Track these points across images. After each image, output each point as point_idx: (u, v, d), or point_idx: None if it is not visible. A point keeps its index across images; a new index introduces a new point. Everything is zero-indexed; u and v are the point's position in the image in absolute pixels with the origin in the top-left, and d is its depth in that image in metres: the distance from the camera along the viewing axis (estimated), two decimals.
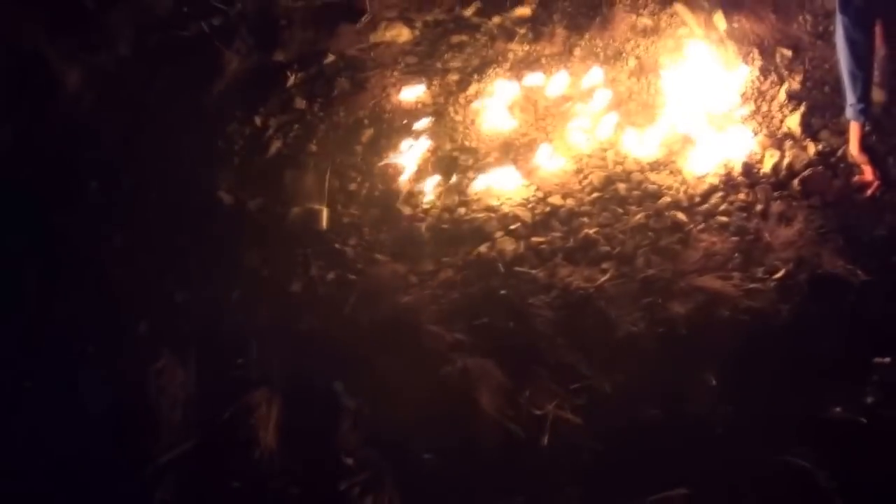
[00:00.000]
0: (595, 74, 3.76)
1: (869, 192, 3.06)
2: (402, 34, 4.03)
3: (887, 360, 2.63)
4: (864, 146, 3.06)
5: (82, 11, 3.86)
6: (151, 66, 3.82)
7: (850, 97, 2.98)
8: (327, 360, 3.02)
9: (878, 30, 3.03)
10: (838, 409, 2.58)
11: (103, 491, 2.85)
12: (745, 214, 3.15)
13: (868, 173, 3.07)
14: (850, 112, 3.02)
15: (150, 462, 2.88)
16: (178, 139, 3.65)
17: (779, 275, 2.93)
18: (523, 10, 4.04)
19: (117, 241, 3.44)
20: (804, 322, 2.80)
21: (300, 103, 3.82)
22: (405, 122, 3.75)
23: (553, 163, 3.51)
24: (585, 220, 3.30)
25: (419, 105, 3.82)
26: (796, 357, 2.71)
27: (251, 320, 3.15)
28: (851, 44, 2.90)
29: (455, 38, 4.02)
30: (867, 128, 3.09)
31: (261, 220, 3.46)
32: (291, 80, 3.87)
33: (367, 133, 3.73)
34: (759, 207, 3.16)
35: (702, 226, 3.16)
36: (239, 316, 3.18)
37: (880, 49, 3.12)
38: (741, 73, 3.58)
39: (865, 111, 3.00)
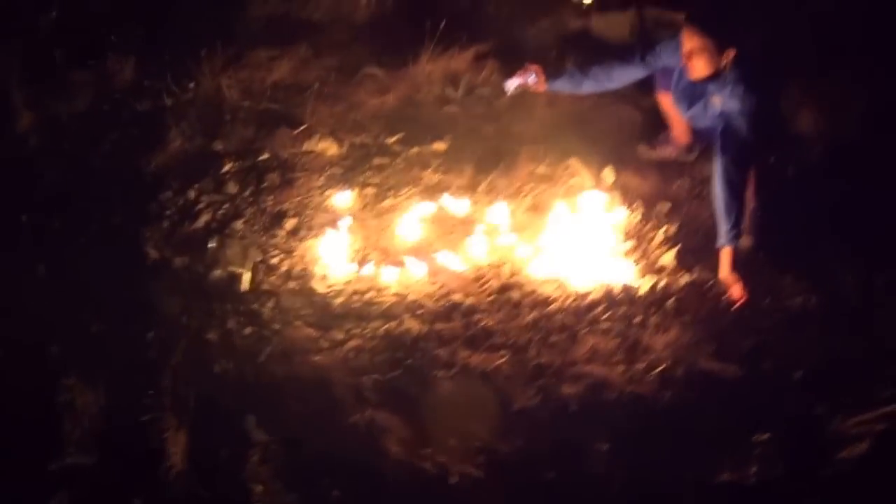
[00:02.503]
0: (496, 206, 4.26)
1: (736, 306, 3.63)
2: (331, 148, 4.46)
3: (766, 436, 3.07)
4: (734, 269, 3.66)
5: (52, 64, 4.12)
6: (102, 126, 4.06)
7: (724, 226, 3.59)
8: (240, 397, 3.17)
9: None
10: (725, 474, 2.98)
11: None
12: (625, 324, 3.62)
13: (736, 292, 3.65)
14: (722, 239, 3.62)
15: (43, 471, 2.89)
16: (113, 194, 3.84)
17: (658, 369, 3.38)
18: (439, 146, 4.56)
19: (40, 272, 3.53)
20: (686, 406, 3.24)
21: (232, 188, 4.11)
22: (325, 218, 4.09)
23: (455, 268, 3.91)
24: (483, 315, 3.67)
25: (339, 208, 4.19)
26: (682, 432, 3.13)
27: (165, 357, 3.26)
28: (728, 180, 3.53)
29: (377, 160, 4.46)
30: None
31: (184, 275, 3.65)
32: (227, 167, 4.18)
33: (291, 222, 4.04)
34: (637, 319, 3.64)
35: (587, 329, 3.61)
36: (153, 353, 3.31)
37: (750, 201, 3.80)
38: (624, 217, 4.17)
39: (737, 237, 3.61)
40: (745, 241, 3.83)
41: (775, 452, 3.01)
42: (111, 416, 3.06)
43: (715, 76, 3.60)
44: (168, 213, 3.92)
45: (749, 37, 3.63)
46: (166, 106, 4.18)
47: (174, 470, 2.90)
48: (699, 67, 3.57)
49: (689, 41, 3.52)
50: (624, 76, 4.08)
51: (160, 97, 4.19)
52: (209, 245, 3.76)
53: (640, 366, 3.41)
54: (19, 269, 3.51)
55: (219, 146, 4.26)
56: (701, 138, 4.22)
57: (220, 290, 3.63)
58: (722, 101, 3.61)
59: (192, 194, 4.02)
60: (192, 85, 4.37)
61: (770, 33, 4.29)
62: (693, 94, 3.81)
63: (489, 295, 3.80)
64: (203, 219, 3.95)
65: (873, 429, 3.03)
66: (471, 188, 4.37)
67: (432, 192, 4.32)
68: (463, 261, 3.95)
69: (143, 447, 2.97)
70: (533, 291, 3.81)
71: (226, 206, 4.03)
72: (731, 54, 3.49)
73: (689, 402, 3.27)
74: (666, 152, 4.43)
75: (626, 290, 3.79)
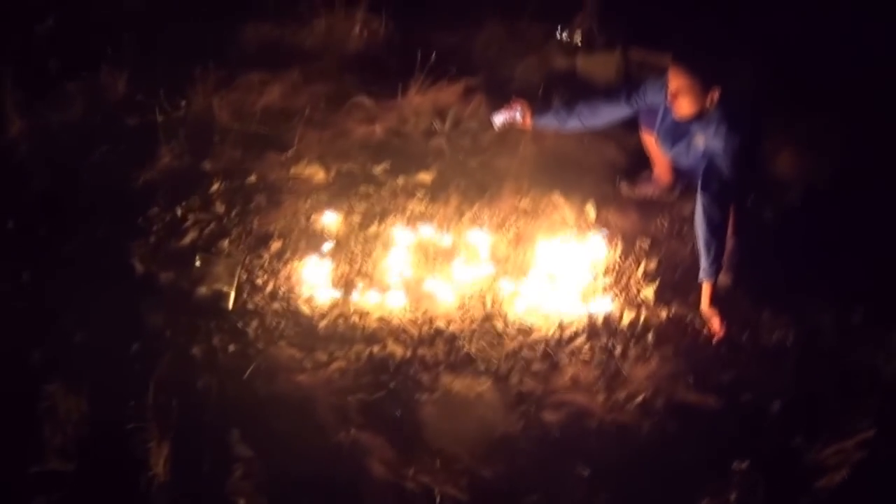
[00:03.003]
0: (480, 236, 4.33)
1: (715, 339, 3.71)
2: (318, 174, 4.49)
3: (745, 464, 3.13)
4: (714, 303, 3.74)
5: (46, 72, 4.13)
6: (92, 138, 4.06)
7: (704, 261, 3.67)
8: (224, 412, 3.17)
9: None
10: (705, 502, 3.04)
11: None
12: (606, 354, 3.68)
13: (715, 325, 3.73)
14: (703, 274, 3.69)
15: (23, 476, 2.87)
16: (100, 206, 3.84)
17: (638, 399, 3.44)
18: (425, 177, 4.61)
19: (25, 278, 3.52)
20: (665, 435, 3.30)
21: (219, 207, 4.13)
22: (311, 242, 4.12)
23: (439, 297, 3.95)
24: (466, 343, 3.71)
25: (324, 232, 4.22)
26: (661, 461, 3.19)
27: (149, 369, 3.26)
28: (708, 217, 3.61)
29: (363, 188, 4.50)
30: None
31: (169, 291, 3.65)
32: (215, 186, 4.20)
33: (276, 244, 4.06)
34: (618, 350, 3.70)
35: (569, 359, 3.66)
36: (137, 364, 3.30)
37: (729, 240, 3.88)
38: (605, 252, 4.24)
39: (717, 272, 3.69)
40: (724, 278, 3.91)
41: (754, 481, 3.07)
42: (93, 425, 3.05)
43: (699, 115, 3.70)
44: (155, 228, 3.93)
45: (733, 78, 3.73)
46: (157, 122, 4.20)
47: (156, 480, 2.89)
48: (685, 106, 3.66)
49: (676, 80, 3.62)
50: (609, 114, 4.17)
51: (152, 113, 4.20)
52: (195, 263, 3.76)
53: (621, 395, 3.47)
54: (4, 274, 3.49)
55: (207, 166, 4.28)
56: (683, 178, 4.32)
57: (205, 306, 3.64)
58: (705, 140, 3.71)
59: (179, 211, 4.04)
60: (183, 103, 4.41)
61: (753, 76, 4.41)
62: (677, 132, 3.91)
63: (472, 323, 3.84)
64: (190, 236, 3.96)
65: (851, 457, 3.10)
66: (455, 219, 4.41)
67: (417, 221, 4.36)
68: (446, 290, 3.99)
69: (124, 456, 2.96)
70: (515, 321, 3.86)
71: (212, 224, 4.04)
72: (715, 94, 3.60)
73: (668, 432, 3.33)
74: (648, 191, 4.52)
75: (607, 322, 3.86)
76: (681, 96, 3.64)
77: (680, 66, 3.59)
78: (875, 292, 3.89)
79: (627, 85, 4.24)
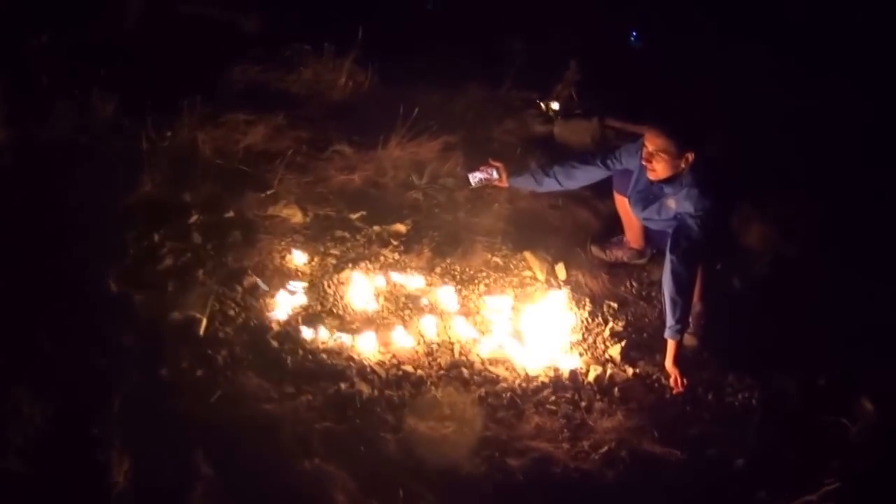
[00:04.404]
0: (450, 289, 4.40)
1: (676, 393, 3.78)
2: (295, 216, 4.54)
3: None
4: (677, 361, 3.82)
5: (36, 86, 4.16)
6: (75, 158, 4.07)
7: (670, 320, 3.77)
8: (188, 431, 3.14)
9: (697, 283, 3.91)
10: None
11: None
12: (571, 407, 3.74)
13: (677, 382, 3.80)
14: (668, 332, 3.79)
15: None
16: (79, 225, 3.82)
17: (603, 450, 3.48)
18: (400, 227, 4.69)
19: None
20: (629, 486, 3.34)
21: (196, 238, 4.13)
22: (284, 281, 4.13)
23: (407, 342, 3.99)
24: (433, 388, 3.74)
25: (298, 272, 4.25)
26: None
27: (116, 385, 3.22)
28: (676, 277, 3.73)
29: (338, 233, 4.55)
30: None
31: (142, 312, 3.63)
32: (193, 218, 4.22)
33: (250, 279, 4.07)
34: (583, 404, 3.76)
35: (534, 409, 3.70)
36: (105, 379, 3.25)
37: (696, 305, 4.00)
38: (573, 312, 4.33)
39: (681, 331, 3.78)
40: (691, 341, 4.01)
41: None
42: (57, 430, 2.99)
43: (671, 179, 3.85)
44: (131, 252, 3.91)
45: (707, 146, 3.89)
46: (142, 149, 4.23)
47: (115, 489, 2.84)
48: (660, 169, 3.80)
49: (653, 142, 3.77)
50: (584, 177, 4.31)
51: (138, 139, 4.24)
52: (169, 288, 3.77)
53: (585, 445, 3.50)
54: None
55: (187, 197, 4.30)
56: (653, 243, 4.45)
57: (176, 331, 3.61)
58: (676, 203, 3.85)
59: (156, 237, 4.03)
60: (169, 134, 4.45)
61: (725, 148, 4.61)
62: (649, 196, 4.05)
63: (439, 370, 3.88)
64: (166, 262, 3.94)
65: None
66: (427, 270, 4.49)
67: (390, 269, 4.43)
68: (414, 336, 4.03)
69: (85, 463, 2.91)
70: (482, 370, 3.91)
71: (188, 254, 4.04)
72: (690, 156, 3.74)
73: (632, 482, 3.36)
74: (618, 255, 4.65)
75: (573, 376, 3.92)
76: (657, 159, 3.78)
77: (658, 128, 3.75)
78: (841, 358, 4.04)
79: (603, 149, 4.40)
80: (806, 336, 4.16)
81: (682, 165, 3.78)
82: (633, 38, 6.89)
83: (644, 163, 3.85)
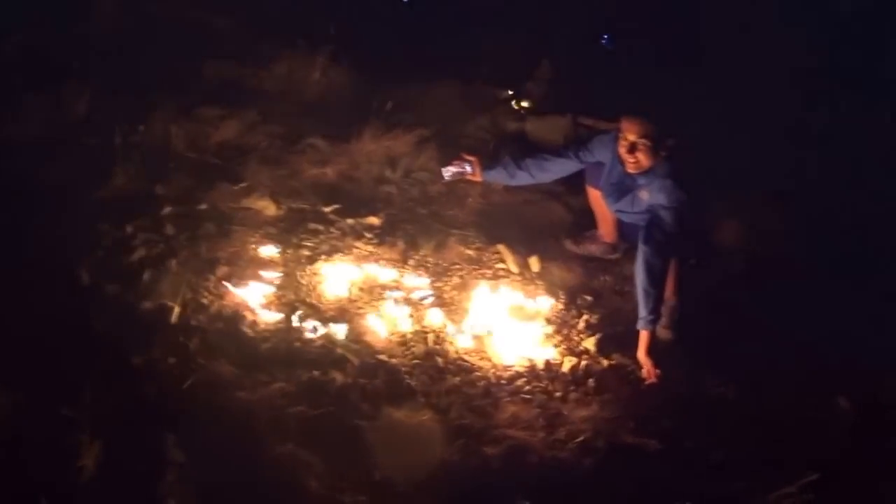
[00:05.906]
0: (424, 280, 4.41)
1: (648, 383, 3.81)
2: (269, 208, 4.55)
3: None
4: (649, 351, 3.85)
5: (9, 84, 4.13)
6: (50, 152, 4.06)
7: (642, 311, 3.79)
8: (160, 418, 3.13)
9: (670, 278, 3.95)
10: None
11: None
12: (546, 397, 3.75)
13: (649, 372, 3.84)
14: (641, 323, 3.82)
15: None
16: (50, 215, 3.82)
17: (578, 439, 3.49)
18: (373, 220, 4.70)
19: None
20: (606, 475, 3.34)
21: (169, 230, 4.14)
22: (257, 271, 4.14)
23: (381, 332, 3.99)
24: (407, 377, 3.75)
25: (272, 263, 4.25)
26: (601, 500, 3.23)
27: (87, 371, 3.21)
28: (648, 268, 3.75)
29: (312, 226, 4.56)
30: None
31: (113, 302, 3.63)
32: (166, 210, 4.22)
33: (223, 269, 4.06)
34: (558, 394, 3.78)
35: (509, 398, 3.71)
36: (75, 365, 3.24)
37: (670, 299, 4.03)
38: (547, 304, 4.35)
39: (654, 322, 3.81)
40: (666, 334, 4.05)
41: None
42: (25, 416, 2.97)
43: (645, 171, 3.88)
44: (104, 243, 3.91)
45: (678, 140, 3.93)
46: (115, 143, 4.22)
47: (85, 474, 2.82)
48: (643, 158, 3.82)
49: (633, 131, 3.80)
50: (556, 169, 4.34)
51: (110, 134, 4.23)
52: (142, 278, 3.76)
53: (561, 434, 3.52)
54: None
55: (160, 190, 4.30)
56: (626, 237, 4.48)
57: (148, 319, 3.61)
58: (650, 195, 3.88)
59: (129, 229, 4.03)
60: (141, 128, 4.44)
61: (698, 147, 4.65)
62: (622, 187, 4.08)
63: (414, 359, 3.88)
64: (138, 254, 3.95)
65: (797, 501, 3.19)
66: (401, 262, 4.50)
67: (364, 260, 4.44)
68: (388, 326, 4.04)
69: (55, 448, 2.89)
70: (457, 360, 3.92)
71: (161, 245, 4.04)
72: (670, 143, 3.77)
73: (609, 471, 3.36)
74: (591, 249, 4.68)
75: (548, 366, 3.94)
76: (640, 148, 3.80)
77: (638, 116, 3.78)
78: (817, 351, 4.11)
79: (576, 141, 4.44)
80: (782, 331, 4.20)
81: (663, 153, 3.81)
82: (605, 40, 6.94)
83: (626, 156, 3.86)
